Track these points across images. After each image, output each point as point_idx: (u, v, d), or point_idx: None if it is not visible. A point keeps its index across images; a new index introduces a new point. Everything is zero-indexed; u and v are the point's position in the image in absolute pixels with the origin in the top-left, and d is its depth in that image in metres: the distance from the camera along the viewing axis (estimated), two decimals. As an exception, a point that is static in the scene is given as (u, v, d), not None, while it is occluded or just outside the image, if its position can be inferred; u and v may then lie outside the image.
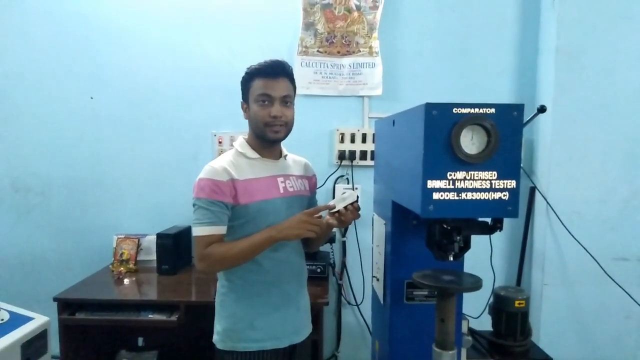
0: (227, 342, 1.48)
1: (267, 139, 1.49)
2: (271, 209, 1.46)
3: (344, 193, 1.46)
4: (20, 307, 1.93)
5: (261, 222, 1.43)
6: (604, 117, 2.35)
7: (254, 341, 1.47)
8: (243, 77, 1.51)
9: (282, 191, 1.51)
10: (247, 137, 1.56)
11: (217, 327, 1.52)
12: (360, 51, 2.54)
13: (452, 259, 1.16)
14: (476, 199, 1.03)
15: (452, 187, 1.02)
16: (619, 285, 2.33)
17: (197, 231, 1.41)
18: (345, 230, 2.65)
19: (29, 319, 1.86)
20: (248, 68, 1.50)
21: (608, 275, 2.34)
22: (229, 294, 1.50)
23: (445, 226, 1.12)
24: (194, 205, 1.43)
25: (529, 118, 1.96)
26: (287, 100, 1.48)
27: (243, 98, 1.53)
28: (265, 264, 1.47)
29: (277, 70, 1.46)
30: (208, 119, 2.61)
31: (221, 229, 1.42)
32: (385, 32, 2.54)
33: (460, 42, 2.56)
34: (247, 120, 1.54)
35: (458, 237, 1.13)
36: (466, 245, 1.18)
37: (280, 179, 1.53)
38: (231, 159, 1.49)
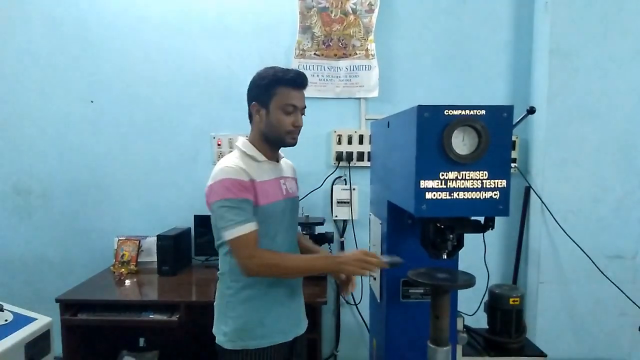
0: (237, 341, 1.47)
1: (284, 144, 1.50)
2: (279, 211, 1.48)
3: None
4: (23, 308, 1.95)
5: (270, 223, 1.44)
6: (597, 118, 2.39)
7: (265, 337, 1.48)
8: (264, 80, 1.44)
9: (284, 193, 1.54)
10: (250, 138, 1.53)
11: (224, 328, 1.50)
12: (356, 54, 2.58)
13: (445, 257, 1.19)
14: (468, 198, 1.06)
15: (445, 187, 1.05)
16: (614, 283, 2.36)
17: (236, 232, 1.35)
18: (343, 230, 2.68)
19: (32, 319, 1.89)
20: (270, 72, 1.44)
21: (602, 273, 2.37)
22: (237, 295, 1.49)
23: (438, 225, 1.16)
24: (220, 207, 1.37)
25: (518, 119, 1.99)
26: (304, 112, 1.51)
27: (258, 100, 1.46)
28: None
29: (304, 82, 1.48)
30: (207, 121, 2.64)
31: (256, 226, 1.39)
32: (381, 35, 2.57)
33: (455, 44, 2.59)
34: (252, 121, 1.51)
35: (451, 236, 1.17)
36: (459, 244, 1.21)
37: (282, 181, 1.55)
38: (240, 160, 1.45)
